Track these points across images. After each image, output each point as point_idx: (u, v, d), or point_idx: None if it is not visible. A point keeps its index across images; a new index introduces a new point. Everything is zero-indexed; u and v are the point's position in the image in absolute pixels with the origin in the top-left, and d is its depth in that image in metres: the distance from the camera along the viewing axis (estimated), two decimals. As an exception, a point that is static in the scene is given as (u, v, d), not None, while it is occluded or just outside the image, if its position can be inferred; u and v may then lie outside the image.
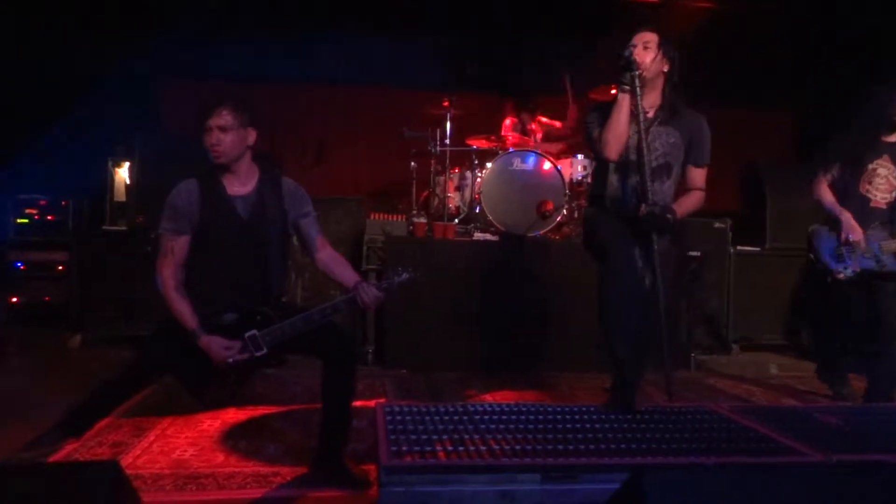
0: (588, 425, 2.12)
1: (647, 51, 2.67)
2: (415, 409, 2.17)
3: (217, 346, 2.28)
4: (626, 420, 2.15)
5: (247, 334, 2.30)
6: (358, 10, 5.44)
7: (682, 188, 2.83)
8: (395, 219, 4.45)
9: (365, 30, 5.49)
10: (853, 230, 3.26)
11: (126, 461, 2.28)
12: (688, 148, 2.73)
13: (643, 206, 2.57)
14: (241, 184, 2.45)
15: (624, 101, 2.62)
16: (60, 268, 4.95)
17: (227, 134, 2.37)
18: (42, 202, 5.16)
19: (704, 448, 1.91)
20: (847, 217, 3.28)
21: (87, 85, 5.33)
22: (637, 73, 2.57)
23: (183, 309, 2.33)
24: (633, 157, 2.67)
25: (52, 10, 5.03)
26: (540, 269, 4.15)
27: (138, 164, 4.86)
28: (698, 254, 4.44)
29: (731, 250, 4.98)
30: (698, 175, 2.77)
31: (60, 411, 2.35)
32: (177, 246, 2.41)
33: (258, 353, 2.30)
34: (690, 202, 2.77)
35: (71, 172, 5.29)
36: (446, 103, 4.88)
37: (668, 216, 2.59)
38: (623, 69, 2.59)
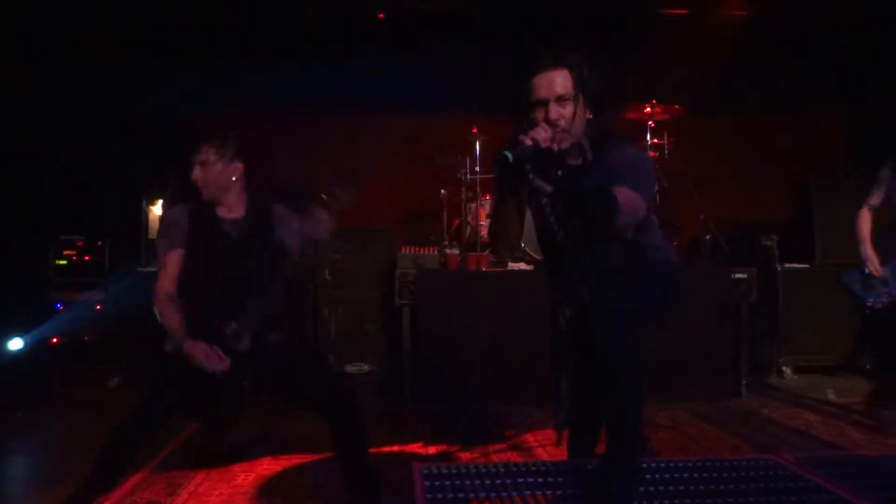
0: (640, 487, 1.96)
1: (563, 105, 1.85)
2: (454, 471, 2.05)
3: (201, 350, 2.27)
4: (683, 479, 1.98)
5: (227, 329, 2.29)
6: (384, 34, 5.40)
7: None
8: (427, 251, 4.36)
9: (391, 54, 5.44)
10: (871, 263, 3.36)
11: (159, 525, 2.22)
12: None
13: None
14: (229, 210, 2.50)
15: (509, 201, 1.95)
16: (98, 307, 4.99)
17: (208, 169, 2.42)
18: (80, 243, 5.20)
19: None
20: (865, 249, 3.41)
21: (119, 122, 5.40)
22: (533, 156, 1.73)
23: (172, 319, 2.36)
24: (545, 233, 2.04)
25: (75, 46, 5.06)
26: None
27: (170, 201, 4.89)
28: (744, 275, 4.26)
29: (779, 267, 4.79)
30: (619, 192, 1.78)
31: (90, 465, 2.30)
32: (170, 260, 2.45)
33: (241, 347, 2.29)
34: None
35: (106, 211, 5.36)
36: (475, 130, 4.79)
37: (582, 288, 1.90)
38: (510, 168, 1.72)
